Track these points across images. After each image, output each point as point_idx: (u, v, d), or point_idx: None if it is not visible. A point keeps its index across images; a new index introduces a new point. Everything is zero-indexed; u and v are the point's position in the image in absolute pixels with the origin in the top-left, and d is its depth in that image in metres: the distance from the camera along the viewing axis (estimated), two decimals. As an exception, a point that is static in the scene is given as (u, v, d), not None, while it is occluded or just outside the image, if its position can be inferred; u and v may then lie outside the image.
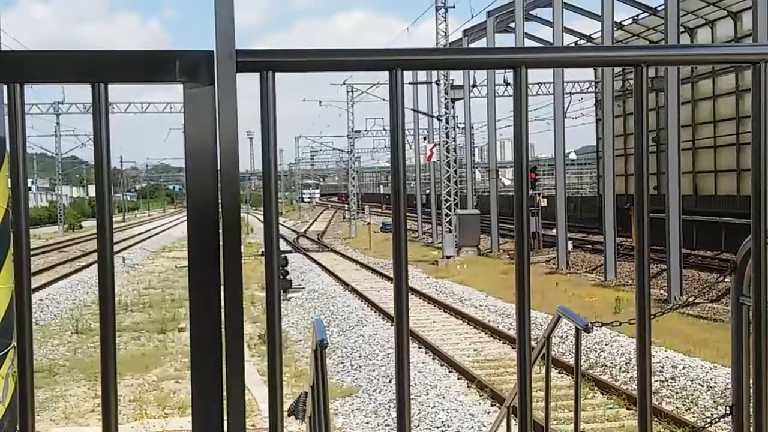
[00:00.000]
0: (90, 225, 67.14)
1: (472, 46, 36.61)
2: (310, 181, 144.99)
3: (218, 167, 1.39)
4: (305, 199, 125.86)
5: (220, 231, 1.41)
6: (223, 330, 1.42)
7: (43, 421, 12.01)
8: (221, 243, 1.41)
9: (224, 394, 1.42)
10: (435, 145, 40.31)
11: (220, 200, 1.40)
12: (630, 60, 1.50)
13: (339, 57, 1.44)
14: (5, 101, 1.38)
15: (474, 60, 1.57)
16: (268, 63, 1.40)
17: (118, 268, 28.07)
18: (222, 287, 1.41)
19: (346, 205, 71.75)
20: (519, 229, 1.51)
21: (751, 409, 2.23)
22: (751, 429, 2.40)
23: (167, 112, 56.45)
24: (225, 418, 1.42)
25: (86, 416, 12.40)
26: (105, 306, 1.42)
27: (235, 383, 1.41)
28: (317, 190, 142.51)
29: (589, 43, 37.06)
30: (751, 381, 2.42)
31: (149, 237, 56.57)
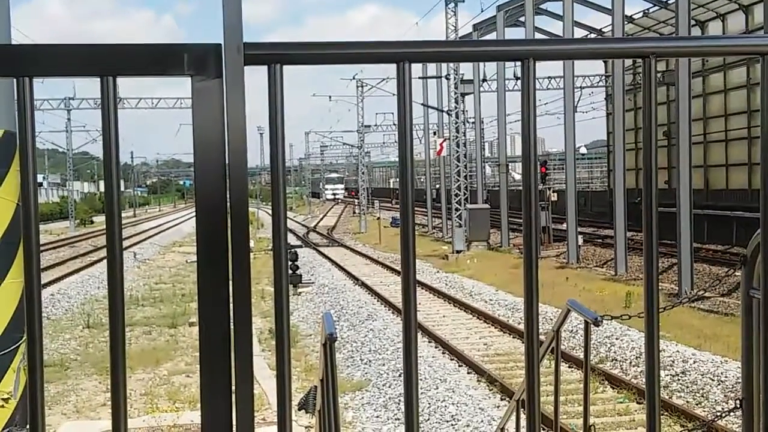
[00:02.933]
0: (101, 220, 67.34)
1: (481, 40, 36.49)
2: (333, 175, 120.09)
3: (227, 161, 1.39)
4: (328, 197, 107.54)
5: (229, 225, 1.41)
6: (232, 325, 1.42)
7: (55, 415, 12.07)
8: (230, 237, 1.41)
9: (233, 388, 1.42)
10: (445, 140, 40.27)
11: (228, 194, 1.40)
12: (638, 51, 1.49)
13: (346, 50, 1.44)
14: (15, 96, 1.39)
15: (482, 52, 1.56)
16: (276, 56, 1.40)
17: (129, 264, 28.09)
18: (231, 282, 1.41)
19: (356, 200, 71.72)
20: (527, 218, 1.50)
21: (761, 403, 2.23)
22: (761, 422, 2.39)
23: (177, 107, 56.52)
24: (234, 412, 1.42)
25: (98, 410, 12.46)
26: (114, 297, 1.42)
27: (244, 377, 1.41)
28: (341, 185, 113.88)
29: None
30: (760, 374, 2.41)
31: (160, 232, 56.74)
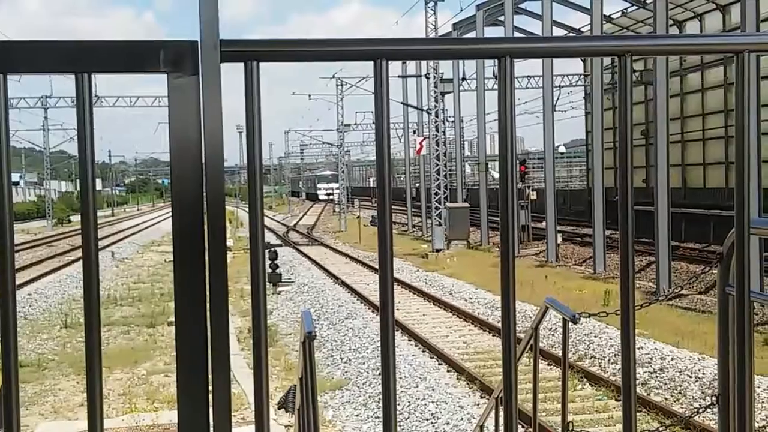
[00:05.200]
0: (79, 219, 66.80)
1: (461, 39, 36.49)
2: (327, 173, 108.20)
3: (203, 159, 1.38)
4: (322, 196, 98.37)
5: (206, 224, 1.40)
6: (208, 324, 1.41)
7: (33, 415, 11.98)
8: (206, 236, 1.40)
9: (210, 388, 1.42)
10: (425, 139, 40.30)
11: (205, 192, 1.39)
12: (614, 50, 1.50)
13: (323, 47, 1.44)
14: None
15: (459, 50, 1.56)
16: (253, 53, 1.39)
17: (107, 263, 27.75)
18: (207, 281, 1.41)
19: (336, 199, 71.50)
20: (504, 216, 1.51)
21: (736, 399, 2.25)
22: (736, 418, 2.41)
23: (156, 105, 56.15)
24: (211, 412, 1.42)
25: (75, 410, 12.37)
26: (89, 296, 1.41)
27: (221, 377, 1.41)
28: (336, 183, 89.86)
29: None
30: (735, 371, 2.43)
31: (138, 231, 56.40)
